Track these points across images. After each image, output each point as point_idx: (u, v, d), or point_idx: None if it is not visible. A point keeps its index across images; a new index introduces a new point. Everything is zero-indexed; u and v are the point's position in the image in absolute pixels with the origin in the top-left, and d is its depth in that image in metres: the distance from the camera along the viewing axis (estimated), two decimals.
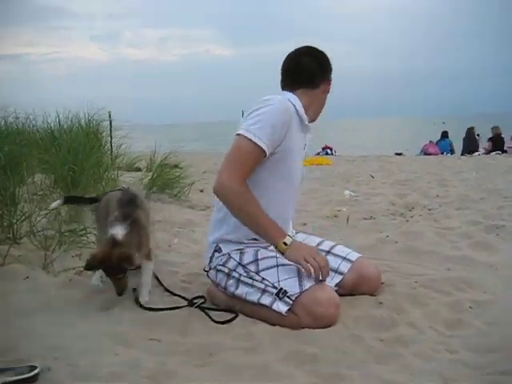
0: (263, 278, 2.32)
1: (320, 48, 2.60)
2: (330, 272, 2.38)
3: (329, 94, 2.62)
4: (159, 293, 2.71)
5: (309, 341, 2.08)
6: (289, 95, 2.49)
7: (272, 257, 2.38)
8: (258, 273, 2.35)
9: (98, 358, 1.95)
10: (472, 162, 11.41)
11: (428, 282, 2.74)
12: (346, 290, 2.51)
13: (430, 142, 16.14)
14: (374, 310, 2.39)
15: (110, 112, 8.02)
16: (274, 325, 2.25)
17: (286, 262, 2.31)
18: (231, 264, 2.46)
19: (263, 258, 2.39)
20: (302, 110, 2.47)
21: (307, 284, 2.23)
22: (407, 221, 4.67)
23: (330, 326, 2.21)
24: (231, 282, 2.44)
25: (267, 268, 2.34)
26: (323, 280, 2.25)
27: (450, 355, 1.95)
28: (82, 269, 2.96)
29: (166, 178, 5.67)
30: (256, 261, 2.39)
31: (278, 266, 2.34)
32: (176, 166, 6.99)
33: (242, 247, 2.48)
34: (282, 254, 2.27)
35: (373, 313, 2.35)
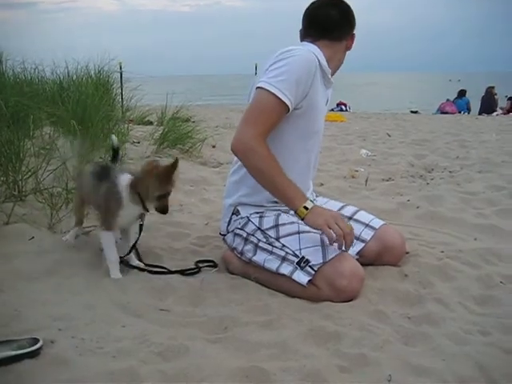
0: (283, 245, 2.18)
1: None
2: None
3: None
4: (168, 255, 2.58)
5: (330, 316, 1.94)
6: (311, 47, 2.29)
7: (293, 222, 2.23)
8: (278, 239, 2.21)
9: (105, 330, 1.82)
10: (491, 122, 11.12)
11: (455, 253, 2.60)
12: (368, 260, 2.37)
13: (448, 100, 15.77)
14: (399, 282, 2.25)
15: (120, 63, 7.81)
16: (292, 297, 2.12)
17: (309, 229, 2.15)
18: (249, 228, 2.32)
19: (284, 224, 2.24)
20: (325, 63, 2.28)
21: (331, 254, 2.08)
22: (427, 183, 4.50)
23: (352, 300, 2.08)
24: (249, 247, 2.31)
25: (288, 234, 2.20)
26: (347, 249, 2.08)
27: (483, 338, 1.80)
28: (89, 229, 2.85)
29: (177, 132, 5.48)
30: (276, 226, 2.25)
31: (299, 232, 2.18)
32: (188, 120, 6.81)
33: (261, 210, 2.34)
34: (302, 219, 2.09)
35: (397, 286, 2.22)
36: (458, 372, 1.58)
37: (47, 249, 2.57)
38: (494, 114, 14.17)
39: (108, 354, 1.66)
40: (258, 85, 2.16)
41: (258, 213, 2.33)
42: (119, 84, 7.41)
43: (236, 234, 2.38)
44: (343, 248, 2.06)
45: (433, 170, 5.18)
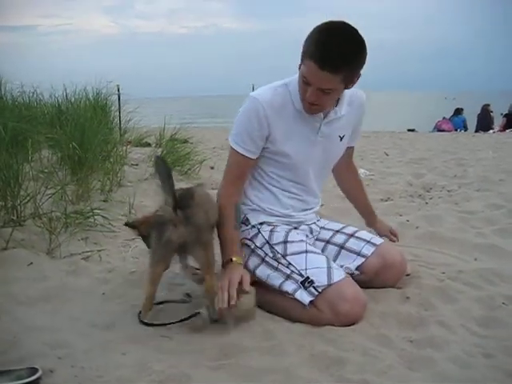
0: (289, 263, 2.18)
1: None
2: (352, 255, 2.35)
3: None
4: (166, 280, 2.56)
5: (333, 341, 1.92)
6: (294, 78, 2.22)
7: (302, 241, 2.26)
8: (284, 256, 2.21)
9: (105, 358, 1.80)
10: (487, 139, 11.16)
11: (455, 274, 2.58)
12: (368, 277, 2.34)
13: (444, 118, 15.84)
14: (401, 305, 2.24)
15: (118, 86, 7.84)
16: (293, 322, 2.10)
17: (315, 249, 2.23)
18: (259, 241, 2.31)
19: (292, 242, 2.25)
20: (296, 96, 2.20)
21: (336, 277, 2.08)
22: (426, 203, 4.49)
23: (353, 324, 2.06)
24: (254, 259, 2.30)
25: (295, 253, 2.20)
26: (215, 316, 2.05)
27: (486, 360, 1.78)
28: (88, 254, 2.83)
29: (176, 154, 5.48)
30: (285, 243, 2.25)
31: (307, 252, 2.19)
32: (185, 142, 6.82)
33: (272, 221, 2.35)
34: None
35: (399, 309, 2.20)
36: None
37: (45, 274, 2.56)
38: (491, 131, 14.23)
39: (108, 383, 1.64)
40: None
41: (269, 225, 2.34)
42: (117, 106, 7.43)
43: (243, 244, 2.35)
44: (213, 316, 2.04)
45: (431, 189, 5.18)
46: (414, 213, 4.04)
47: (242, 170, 2.30)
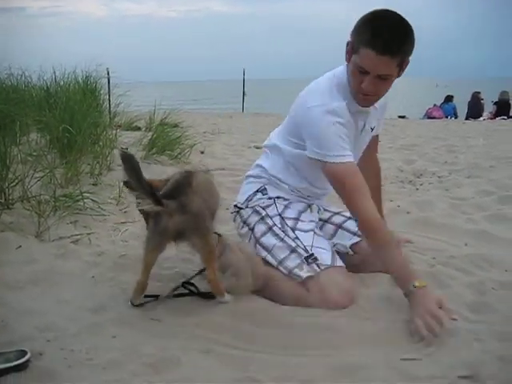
0: (296, 237, 2.22)
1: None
2: (349, 234, 2.40)
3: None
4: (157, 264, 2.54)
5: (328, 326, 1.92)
6: (340, 80, 2.22)
7: (311, 221, 2.33)
8: (293, 230, 2.25)
9: (94, 340, 1.79)
10: (477, 127, 11.18)
11: (446, 259, 2.58)
12: (361, 257, 2.36)
13: (435, 105, 15.85)
14: (391, 290, 2.22)
15: (108, 69, 7.79)
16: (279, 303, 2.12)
17: (322, 234, 2.33)
18: (271, 211, 2.35)
19: (304, 221, 2.31)
20: (348, 97, 2.19)
21: (338, 263, 2.15)
22: (417, 189, 4.50)
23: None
24: (262, 226, 2.33)
25: (304, 230, 2.25)
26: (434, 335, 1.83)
27: (479, 345, 1.78)
28: (77, 237, 2.81)
29: (166, 138, 5.44)
30: (296, 219, 2.31)
31: (315, 233, 2.27)
32: (176, 126, 6.77)
33: (289, 197, 2.39)
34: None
35: (390, 293, 2.19)
36: (454, 380, 1.56)
37: (34, 258, 2.54)
38: (481, 118, 14.26)
39: (98, 366, 1.63)
40: (324, 159, 2.13)
41: (285, 200, 2.38)
42: (106, 90, 7.37)
43: (255, 211, 2.38)
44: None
45: (422, 175, 5.18)
46: (404, 198, 4.04)
47: (353, 175, 2.12)
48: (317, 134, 2.13)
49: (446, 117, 15.05)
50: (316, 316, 2.00)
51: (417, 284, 1.96)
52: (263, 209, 2.36)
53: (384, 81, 2.08)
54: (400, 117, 15.37)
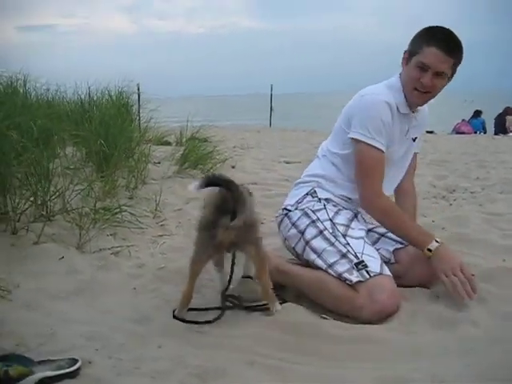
0: (347, 243, 2.27)
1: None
2: (391, 241, 2.46)
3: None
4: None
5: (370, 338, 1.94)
6: (395, 82, 2.45)
7: (362, 229, 2.40)
8: (344, 236, 2.30)
9: (141, 350, 1.83)
10: (508, 142, 11.05)
11: (485, 275, 2.56)
12: (403, 267, 2.40)
13: (463, 120, 15.71)
14: (432, 304, 2.23)
15: (138, 85, 7.90)
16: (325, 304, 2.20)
17: (371, 243, 2.38)
18: (322, 215, 2.40)
19: (354, 228, 2.37)
20: (400, 98, 2.41)
21: (385, 271, 2.18)
22: (450, 204, 4.47)
23: (384, 317, 2.10)
24: (312, 229, 2.37)
25: (355, 237, 2.31)
26: (470, 297, 2.18)
27: None
28: (117, 249, 2.87)
29: (198, 153, 5.51)
30: (347, 226, 2.36)
31: (365, 241, 2.32)
32: (205, 141, 6.86)
33: (337, 201, 2.47)
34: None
35: (430, 308, 2.19)
36: None
37: (76, 268, 2.61)
38: (510, 134, 14.09)
39: (146, 375, 1.67)
40: (355, 137, 2.38)
41: (335, 205, 2.45)
42: (137, 105, 7.48)
43: (305, 214, 2.43)
44: (466, 297, 2.16)
45: (454, 190, 5.15)
46: (438, 214, 4.02)
47: (379, 163, 2.36)
48: (365, 115, 2.35)
49: (475, 132, 14.91)
50: (359, 329, 2.01)
51: (438, 239, 2.24)
52: (314, 212, 2.41)
53: (440, 79, 2.30)
54: (428, 132, 15.26)
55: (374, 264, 2.18)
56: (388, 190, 2.54)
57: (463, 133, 14.53)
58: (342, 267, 2.19)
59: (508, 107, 14.90)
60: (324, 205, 2.43)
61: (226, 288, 2.22)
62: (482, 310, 2.22)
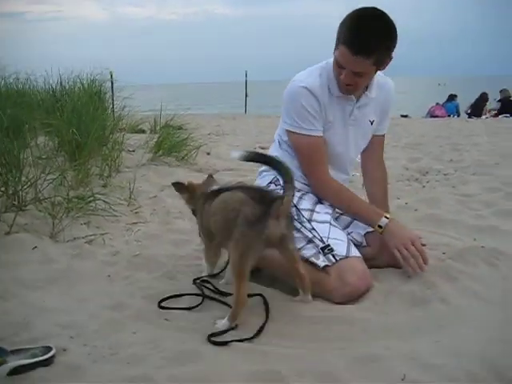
0: (313, 228, 2.27)
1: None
2: (363, 225, 2.43)
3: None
4: (173, 262, 2.58)
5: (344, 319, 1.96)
6: (329, 64, 2.37)
7: (327, 213, 2.38)
8: (309, 221, 2.30)
9: (116, 337, 1.84)
10: (481, 125, 11.18)
11: (456, 254, 2.60)
12: (374, 250, 2.41)
13: (437, 104, 15.85)
14: (403, 284, 2.26)
15: (111, 72, 7.80)
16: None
17: (338, 225, 2.36)
18: None
19: (319, 212, 2.36)
20: (332, 81, 2.35)
21: (353, 253, 2.20)
22: (423, 186, 4.53)
23: (356, 298, 2.14)
24: None
25: (320, 222, 2.31)
26: (422, 269, 2.24)
27: (489, 334, 1.82)
28: (91, 238, 2.85)
29: (172, 140, 5.48)
30: (312, 211, 2.36)
31: (330, 224, 2.31)
32: (180, 128, 6.82)
33: (299, 187, 2.43)
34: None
35: (402, 288, 2.22)
36: (469, 369, 1.59)
37: (51, 258, 2.59)
38: (484, 116, 14.27)
39: (121, 361, 1.67)
40: (286, 128, 2.45)
41: (298, 191, 2.39)
42: (110, 93, 7.40)
43: None
44: (418, 269, 2.23)
45: (427, 173, 5.21)
46: (411, 196, 4.07)
47: (322, 151, 2.39)
48: (289, 105, 2.36)
49: (449, 115, 15.06)
50: (333, 310, 2.04)
51: (388, 216, 2.28)
52: None
53: (360, 76, 2.23)
54: (403, 116, 15.39)
55: (341, 247, 2.19)
56: (344, 171, 2.58)
57: (437, 116, 14.66)
58: (309, 252, 2.20)
59: (484, 93, 15.07)
60: None
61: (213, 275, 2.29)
62: (453, 288, 2.27)
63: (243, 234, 1.87)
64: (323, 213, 2.37)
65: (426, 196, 4.02)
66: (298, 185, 2.42)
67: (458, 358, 1.66)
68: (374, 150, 2.65)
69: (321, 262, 2.15)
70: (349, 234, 2.42)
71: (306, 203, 2.39)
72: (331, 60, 2.33)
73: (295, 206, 2.35)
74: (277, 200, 1.87)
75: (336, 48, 2.21)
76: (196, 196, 2.29)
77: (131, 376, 1.56)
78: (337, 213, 2.53)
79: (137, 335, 1.85)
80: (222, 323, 1.89)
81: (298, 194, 2.41)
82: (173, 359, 1.67)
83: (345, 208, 2.43)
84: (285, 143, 2.51)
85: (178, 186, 2.34)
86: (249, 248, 1.88)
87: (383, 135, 2.69)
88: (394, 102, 2.60)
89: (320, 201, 2.47)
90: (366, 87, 2.41)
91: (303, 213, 2.33)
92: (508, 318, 1.98)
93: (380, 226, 2.27)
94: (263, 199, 1.91)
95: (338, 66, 2.23)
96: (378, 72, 2.35)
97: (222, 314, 1.97)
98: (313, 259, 2.17)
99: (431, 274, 2.36)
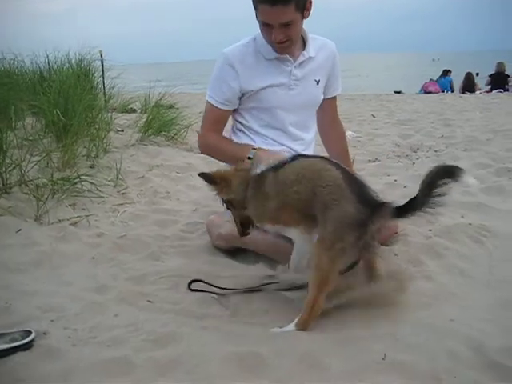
0: None
1: None
2: None
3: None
4: (157, 243, 2.57)
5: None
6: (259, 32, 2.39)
7: None
8: None
9: (97, 319, 1.83)
10: (474, 100, 11.14)
11: (442, 231, 2.61)
12: None
13: (431, 79, 15.77)
14: (389, 262, 2.25)
15: (101, 51, 7.70)
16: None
17: None
18: None
19: None
20: (263, 46, 2.39)
21: None
22: (413, 163, 4.51)
23: None
24: None
25: None
26: None
27: (472, 312, 1.82)
28: (76, 219, 2.83)
29: (161, 119, 5.43)
30: None
31: None
32: (171, 107, 6.75)
33: None
34: None
35: (388, 265, 2.21)
36: (451, 348, 1.59)
37: (35, 240, 2.56)
38: (477, 92, 14.20)
39: (101, 344, 1.67)
40: None
41: None
42: (100, 73, 7.32)
43: None
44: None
45: (418, 149, 5.19)
46: (401, 173, 4.06)
47: (216, 119, 2.49)
48: (212, 75, 2.47)
49: (443, 91, 14.99)
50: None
51: (256, 147, 2.34)
52: None
53: (289, 27, 2.23)
54: (396, 92, 15.31)
55: None
56: (299, 133, 2.55)
57: (431, 92, 14.59)
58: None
59: (468, 73, 14.95)
60: None
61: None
62: (439, 266, 2.27)
63: (341, 236, 1.66)
64: None
65: (415, 173, 3.99)
66: None
67: (441, 337, 1.66)
68: (326, 111, 2.68)
69: None
70: None
71: None
72: (258, 32, 2.38)
73: None
74: (383, 207, 1.70)
75: (256, 12, 2.24)
76: (234, 184, 1.98)
77: (110, 358, 1.55)
78: None
79: (118, 318, 1.84)
80: (288, 328, 1.74)
81: None
82: (153, 341, 1.66)
83: (219, 156, 2.54)
84: (236, 124, 2.58)
85: (207, 177, 2.00)
86: (344, 254, 1.68)
87: (335, 97, 2.72)
88: (338, 62, 2.63)
89: None
90: (304, 46, 2.45)
91: None
92: (495, 296, 1.97)
93: (249, 158, 2.30)
94: (366, 200, 1.72)
95: (266, 26, 2.25)
96: (317, 36, 2.50)
97: (203, 298, 1.97)
98: None
99: (417, 251, 2.37)
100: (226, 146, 2.48)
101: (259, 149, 2.34)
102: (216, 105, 2.45)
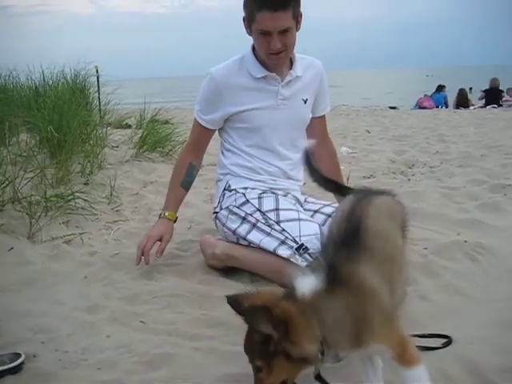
0: (283, 229, 2.24)
1: None
2: None
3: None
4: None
5: None
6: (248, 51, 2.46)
7: (293, 210, 2.34)
8: (278, 223, 2.27)
9: (88, 341, 1.80)
10: (468, 116, 11.20)
11: (438, 249, 2.59)
12: None
13: (425, 95, 15.87)
14: None
15: (97, 66, 7.72)
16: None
17: (307, 217, 2.32)
18: (249, 208, 2.37)
19: (284, 209, 2.32)
20: (251, 64, 2.41)
21: None
22: (409, 179, 4.51)
23: None
24: (245, 226, 2.36)
25: (288, 220, 2.27)
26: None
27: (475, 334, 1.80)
28: (69, 237, 2.81)
29: (156, 135, 5.42)
30: (277, 210, 2.32)
31: (300, 220, 2.26)
32: (166, 122, 6.75)
33: (253, 186, 2.43)
34: None
35: None
36: (445, 369, 1.57)
37: (27, 259, 2.54)
38: (472, 107, 14.29)
39: (93, 366, 1.64)
40: None
41: (253, 189, 2.43)
42: (96, 88, 7.33)
43: (232, 212, 2.41)
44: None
45: (413, 165, 5.19)
46: (396, 190, 4.02)
47: (199, 136, 2.55)
48: (199, 93, 2.52)
49: (437, 106, 15.08)
50: None
51: (166, 213, 2.49)
52: (239, 208, 2.39)
53: (287, 34, 2.25)
54: (391, 107, 15.40)
55: (314, 243, 2.15)
56: (288, 153, 2.52)
57: (425, 108, 14.67)
58: (285, 252, 2.17)
59: (461, 89, 15.07)
60: (243, 194, 2.41)
61: None
62: (435, 284, 2.25)
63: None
64: (288, 209, 2.33)
65: (410, 190, 3.99)
66: (250, 183, 2.46)
67: (436, 357, 1.64)
68: (315, 130, 2.65)
69: (300, 262, 2.10)
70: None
71: (268, 203, 2.35)
72: (247, 51, 2.43)
73: (259, 210, 2.33)
74: None
75: (252, 24, 2.27)
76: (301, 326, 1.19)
77: (101, 382, 1.52)
78: (311, 211, 2.49)
79: (110, 339, 1.81)
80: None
81: (255, 196, 2.39)
82: (146, 363, 1.64)
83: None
84: (224, 144, 2.57)
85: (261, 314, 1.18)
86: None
87: (323, 116, 2.72)
88: (325, 81, 2.64)
89: (277, 195, 2.41)
90: (291, 66, 2.45)
91: (269, 215, 2.30)
92: (490, 316, 1.95)
93: (160, 216, 2.51)
94: None
95: (263, 34, 2.25)
96: (303, 55, 2.52)
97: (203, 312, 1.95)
98: (292, 260, 2.13)
99: (412, 269, 2.34)
100: (171, 180, 2.58)
101: (163, 217, 2.49)
102: (201, 122, 2.50)
